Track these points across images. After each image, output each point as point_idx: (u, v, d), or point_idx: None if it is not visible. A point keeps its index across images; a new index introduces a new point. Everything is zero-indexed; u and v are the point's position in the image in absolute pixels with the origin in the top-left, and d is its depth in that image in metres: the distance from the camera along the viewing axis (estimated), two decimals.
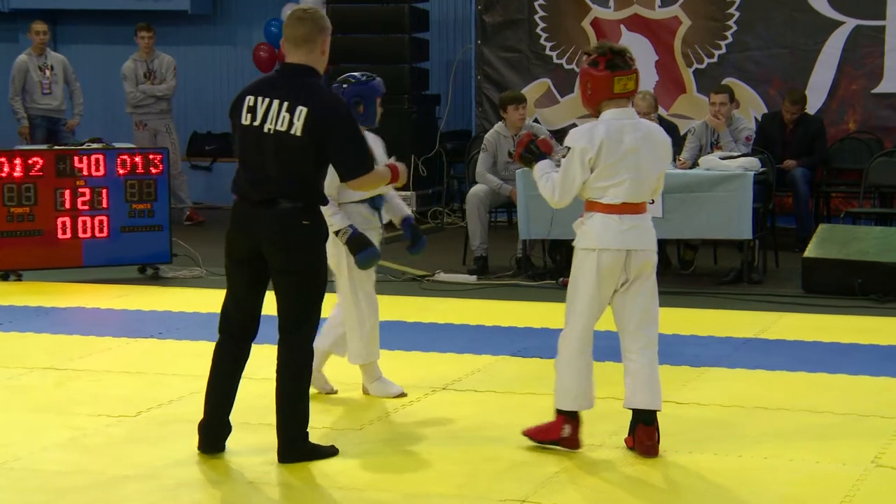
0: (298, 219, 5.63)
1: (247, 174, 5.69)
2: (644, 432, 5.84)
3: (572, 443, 5.86)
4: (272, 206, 5.62)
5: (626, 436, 5.95)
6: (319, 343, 6.47)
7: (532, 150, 5.97)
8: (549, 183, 5.85)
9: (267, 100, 5.64)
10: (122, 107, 13.92)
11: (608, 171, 5.74)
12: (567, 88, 13.43)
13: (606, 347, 7.95)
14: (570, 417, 5.86)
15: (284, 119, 5.60)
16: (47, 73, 13.29)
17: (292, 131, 5.58)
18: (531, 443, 5.98)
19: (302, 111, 5.57)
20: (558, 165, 5.86)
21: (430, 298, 9.73)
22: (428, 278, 10.44)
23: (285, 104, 5.60)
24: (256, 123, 5.64)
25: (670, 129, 11.19)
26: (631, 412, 5.92)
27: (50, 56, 13.39)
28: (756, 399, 6.84)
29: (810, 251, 9.95)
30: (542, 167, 5.93)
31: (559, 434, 5.86)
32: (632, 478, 5.61)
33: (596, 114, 5.87)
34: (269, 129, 5.62)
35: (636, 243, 5.78)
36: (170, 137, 13.64)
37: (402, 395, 6.83)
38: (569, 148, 5.78)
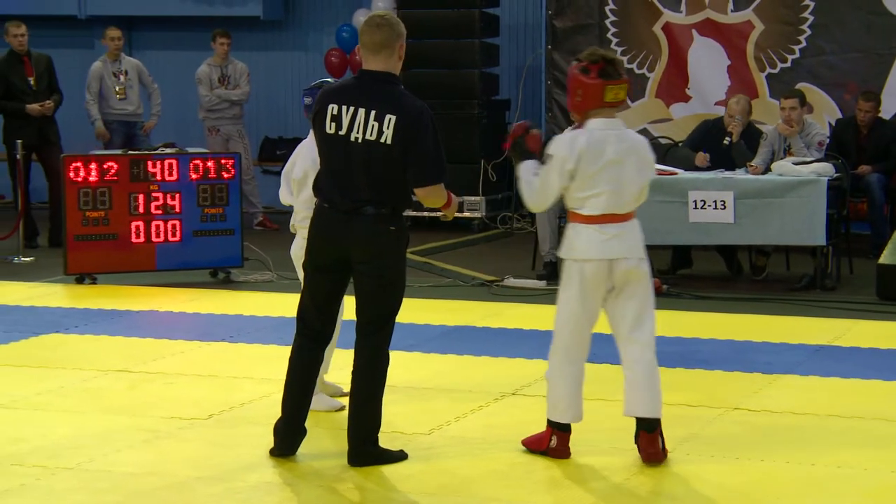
0: (386, 224, 5.67)
1: (334, 182, 5.71)
2: (646, 440, 5.79)
3: (559, 453, 5.85)
4: (360, 212, 5.65)
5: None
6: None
7: (519, 145, 5.94)
8: (528, 188, 5.87)
9: (352, 108, 5.65)
10: (194, 112, 14.06)
11: (587, 181, 5.73)
12: (638, 93, 13.35)
13: (673, 354, 7.91)
14: (558, 429, 5.85)
15: (373, 128, 5.61)
16: (122, 78, 13.46)
17: (382, 140, 5.60)
18: (601, 447, 5.98)
19: (391, 119, 5.59)
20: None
21: (499, 304, 9.72)
22: (497, 283, 10.43)
23: (373, 113, 5.61)
24: (343, 132, 5.66)
25: (755, 134, 11.08)
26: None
27: (124, 61, 13.56)
28: (829, 407, 6.76)
29: (885, 257, 9.82)
30: (526, 168, 5.91)
31: (547, 445, 5.86)
32: (705, 483, 5.56)
33: (583, 121, 5.82)
34: (357, 138, 5.63)
35: (619, 252, 5.75)
36: (242, 142, 13.76)
37: (342, 408, 6.48)
38: (550, 156, 5.78)
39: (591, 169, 5.72)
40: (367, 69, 5.74)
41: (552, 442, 5.86)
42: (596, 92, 5.73)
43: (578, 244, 5.78)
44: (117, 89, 13.40)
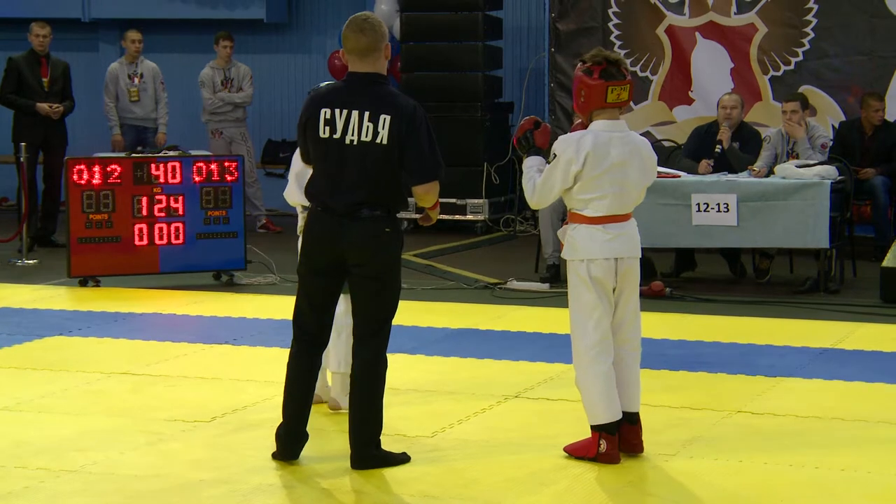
0: (381, 226, 5.67)
1: (328, 185, 5.70)
2: (632, 432, 5.89)
3: (609, 458, 5.81)
4: (355, 215, 5.65)
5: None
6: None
7: (528, 140, 6.00)
8: (531, 184, 5.90)
9: (345, 111, 5.65)
10: (198, 115, 14.07)
11: (591, 183, 5.75)
12: (642, 96, 13.36)
13: (677, 357, 7.91)
14: (605, 432, 5.81)
15: (368, 129, 5.61)
16: (136, 80, 13.48)
17: (378, 140, 5.61)
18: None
19: (386, 119, 5.60)
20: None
21: (502, 306, 9.72)
22: (500, 286, 10.44)
23: (366, 114, 5.62)
24: (337, 136, 5.66)
25: (753, 135, 11.09)
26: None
27: (141, 64, 13.56)
28: (833, 410, 6.76)
29: (889, 260, 9.81)
30: (530, 163, 5.97)
31: (596, 450, 5.82)
32: (708, 486, 5.56)
33: (587, 122, 5.86)
34: (352, 141, 5.63)
35: (623, 251, 5.80)
36: (245, 145, 13.77)
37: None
38: (555, 155, 5.79)
39: (596, 171, 5.73)
40: (356, 71, 5.73)
41: (601, 447, 5.79)
42: (598, 93, 5.75)
43: (583, 244, 5.79)
44: (131, 92, 13.42)
